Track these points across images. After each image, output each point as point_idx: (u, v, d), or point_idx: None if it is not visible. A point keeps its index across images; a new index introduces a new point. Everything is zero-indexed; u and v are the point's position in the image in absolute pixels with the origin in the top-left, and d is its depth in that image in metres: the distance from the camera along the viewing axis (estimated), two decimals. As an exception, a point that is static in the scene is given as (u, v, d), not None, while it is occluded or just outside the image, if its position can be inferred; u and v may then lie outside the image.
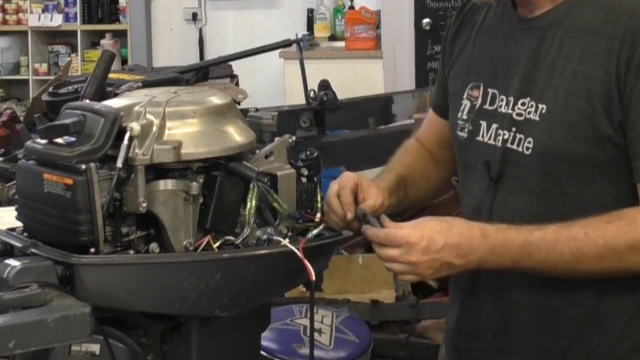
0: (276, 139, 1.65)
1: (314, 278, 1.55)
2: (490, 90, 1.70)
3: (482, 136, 1.69)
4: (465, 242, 1.53)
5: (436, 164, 1.91)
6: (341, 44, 6.41)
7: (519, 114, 1.63)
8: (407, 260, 1.53)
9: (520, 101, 1.63)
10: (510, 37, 1.69)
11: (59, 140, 1.51)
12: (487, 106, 1.70)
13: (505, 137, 1.65)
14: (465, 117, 1.74)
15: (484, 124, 1.69)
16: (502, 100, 1.67)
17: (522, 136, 1.62)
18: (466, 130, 1.73)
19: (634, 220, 1.53)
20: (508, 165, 1.65)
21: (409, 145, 1.94)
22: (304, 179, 1.66)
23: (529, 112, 1.62)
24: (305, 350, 2.49)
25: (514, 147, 1.63)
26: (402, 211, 1.92)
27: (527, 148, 1.61)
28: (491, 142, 1.67)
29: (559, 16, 1.62)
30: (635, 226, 1.53)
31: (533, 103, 1.62)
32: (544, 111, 1.60)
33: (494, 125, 1.67)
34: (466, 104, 1.74)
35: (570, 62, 1.58)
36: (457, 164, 1.80)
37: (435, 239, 1.53)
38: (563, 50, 1.60)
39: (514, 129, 1.64)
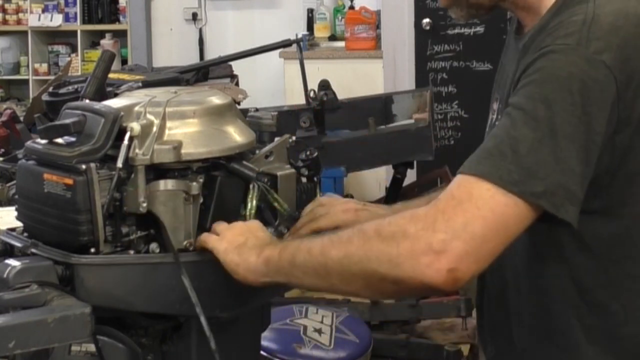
0: (276, 139, 1.65)
1: None
2: (501, 106, 1.63)
3: None
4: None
5: None
6: (341, 44, 6.41)
7: None
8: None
9: None
10: (512, 53, 1.64)
11: (59, 140, 1.51)
12: (497, 122, 1.60)
13: None
14: (487, 130, 1.69)
15: None
16: (499, 119, 1.58)
17: None
18: None
19: (402, 214, 1.41)
20: None
21: None
22: (304, 179, 1.66)
23: None
24: (305, 350, 2.49)
25: None
26: None
27: None
28: None
29: (528, 42, 1.54)
30: (395, 216, 1.41)
31: None
32: None
33: None
34: (489, 116, 1.69)
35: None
36: None
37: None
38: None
39: None
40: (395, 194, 3.50)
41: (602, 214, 1.47)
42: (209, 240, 1.53)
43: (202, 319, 1.45)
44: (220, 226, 1.55)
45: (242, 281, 1.50)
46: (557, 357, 1.56)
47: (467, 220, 1.34)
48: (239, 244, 1.51)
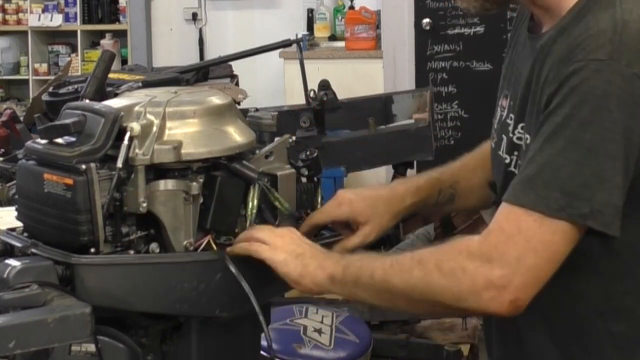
0: (276, 139, 1.65)
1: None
2: (512, 104, 1.62)
3: (502, 151, 1.63)
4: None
5: None
6: (341, 44, 6.41)
7: (519, 138, 1.57)
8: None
9: (520, 125, 1.57)
10: (524, 52, 1.62)
11: (59, 140, 1.51)
12: (508, 120, 1.62)
13: (507, 160, 1.59)
14: (495, 127, 1.68)
15: (505, 138, 1.63)
16: (511, 118, 1.60)
17: (520, 162, 1.55)
18: (494, 141, 1.68)
19: (454, 244, 1.48)
20: None
21: (485, 146, 1.83)
22: (304, 179, 1.66)
23: (523, 139, 1.55)
24: (305, 351, 2.49)
25: (515, 171, 1.57)
26: (443, 213, 1.89)
27: None
28: (507, 160, 1.61)
29: (547, 40, 1.52)
30: (450, 249, 1.47)
31: (523, 130, 1.55)
32: (528, 142, 1.53)
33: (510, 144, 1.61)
34: (498, 112, 1.68)
35: (543, 96, 1.49)
36: None
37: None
38: (540, 79, 1.50)
39: (515, 152, 1.58)
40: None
41: (632, 219, 1.47)
42: (261, 250, 1.54)
43: (255, 306, 1.50)
44: (261, 233, 1.56)
45: (301, 289, 1.56)
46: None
47: (519, 254, 1.41)
48: (297, 253, 1.55)
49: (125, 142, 1.48)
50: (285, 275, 1.54)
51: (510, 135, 1.59)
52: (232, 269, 1.49)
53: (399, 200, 1.77)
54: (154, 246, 1.53)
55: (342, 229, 1.75)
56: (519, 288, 1.42)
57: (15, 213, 1.57)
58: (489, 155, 1.80)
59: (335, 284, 1.54)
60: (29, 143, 1.55)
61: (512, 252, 1.41)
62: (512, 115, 1.60)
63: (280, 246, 1.54)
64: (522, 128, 1.56)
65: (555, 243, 1.42)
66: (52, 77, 5.80)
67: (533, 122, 1.51)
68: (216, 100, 1.60)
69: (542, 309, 1.56)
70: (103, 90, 1.73)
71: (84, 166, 1.45)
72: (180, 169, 1.52)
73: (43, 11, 7.26)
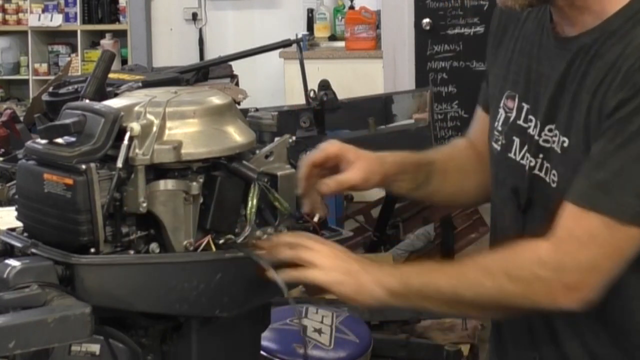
0: (276, 139, 1.65)
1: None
2: (525, 105, 1.61)
3: (515, 154, 1.63)
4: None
5: (481, 165, 1.79)
6: (341, 44, 6.42)
7: (546, 141, 1.56)
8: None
9: (547, 127, 1.56)
10: (545, 52, 1.59)
11: (59, 140, 1.51)
12: (520, 122, 1.62)
13: (532, 163, 1.59)
14: (500, 128, 1.67)
15: (517, 141, 1.62)
16: (531, 120, 1.59)
17: (548, 165, 1.56)
18: (500, 143, 1.67)
19: (522, 251, 1.51)
20: (537, 193, 1.59)
21: (458, 140, 1.90)
22: (304, 179, 1.66)
23: (553, 142, 1.54)
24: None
25: (542, 175, 1.57)
26: (421, 198, 1.91)
27: (553, 181, 1.55)
28: (523, 161, 1.61)
29: (590, 43, 1.50)
30: (518, 257, 1.50)
31: (557, 132, 1.54)
32: (565, 144, 1.52)
33: (525, 146, 1.61)
34: (501, 114, 1.67)
35: (589, 96, 1.49)
36: (490, 175, 1.74)
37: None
38: (586, 81, 1.50)
39: (541, 155, 1.57)
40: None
41: None
42: (314, 275, 1.53)
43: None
44: (308, 254, 1.54)
45: (356, 304, 1.59)
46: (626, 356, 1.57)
47: (594, 261, 1.46)
48: (349, 270, 1.54)
49: (125, 142, 1.48)
50: (341, 294, 1.55)
51: (536, 138, 1.58)
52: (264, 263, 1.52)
53: (378, 160, 1.79)
54: (154, 246, 1.52)
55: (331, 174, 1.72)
56: (592, 289, 1.47)
57: (15, 213, 1.57)
58: (459, 148, 1.86)
59: (397, 297, 1.55)
60: (29, 143, 1.54)
61: (585, 258, 1.46)
62: (531, 117, 1.60)
63: (329, 266, 1.54)
64: (549, 130, 1.56)
65: (626, 248, 1.46)
66: (52, 77, 5.80)
67: (583, 126, 1.49)
68: (216, 100, 1.60)
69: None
70: (103, 90, 1.73)
71: (84, 166, 1.45)
72: (180, 169, 1.52)
73: (43, 11, 7.27)
